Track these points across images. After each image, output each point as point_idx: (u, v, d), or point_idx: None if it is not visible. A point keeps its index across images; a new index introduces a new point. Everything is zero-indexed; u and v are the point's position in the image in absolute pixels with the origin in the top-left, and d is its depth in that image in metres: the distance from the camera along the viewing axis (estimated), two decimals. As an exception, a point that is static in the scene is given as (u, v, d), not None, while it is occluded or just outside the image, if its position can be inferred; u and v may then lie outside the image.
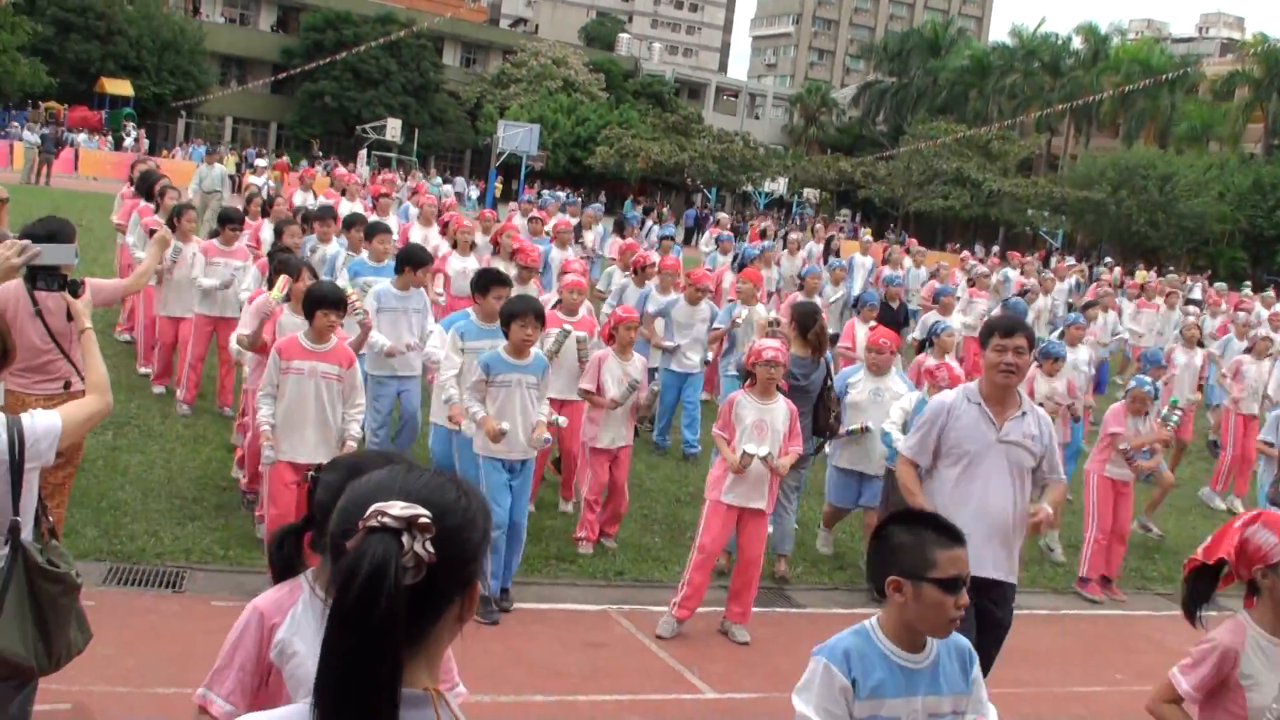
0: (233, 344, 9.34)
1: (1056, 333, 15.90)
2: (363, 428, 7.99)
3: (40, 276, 5.33)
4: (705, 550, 8.06)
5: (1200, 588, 4.40)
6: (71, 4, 62.32)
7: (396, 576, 1.91)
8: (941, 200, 70.39)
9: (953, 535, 3.65)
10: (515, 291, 9.22)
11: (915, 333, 16.34)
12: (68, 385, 6.73)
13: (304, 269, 8.90)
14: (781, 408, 8.22)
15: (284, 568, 3.34)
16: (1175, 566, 11.55)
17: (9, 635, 4.12)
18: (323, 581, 3.24)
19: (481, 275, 9.19)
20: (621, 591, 8.86)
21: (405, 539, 1.94)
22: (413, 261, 10.26)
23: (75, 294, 5.15)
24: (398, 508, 1.96)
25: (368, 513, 1.97)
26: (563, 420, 8.86)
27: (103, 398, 4.64)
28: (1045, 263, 39.05)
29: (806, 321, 9.44)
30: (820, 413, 9.33)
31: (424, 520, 1.96)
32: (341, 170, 26.03)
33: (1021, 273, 24.44)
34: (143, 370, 13.25)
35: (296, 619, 3.26)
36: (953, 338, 12.41)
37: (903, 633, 3.66)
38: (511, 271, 11.38)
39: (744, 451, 7.89)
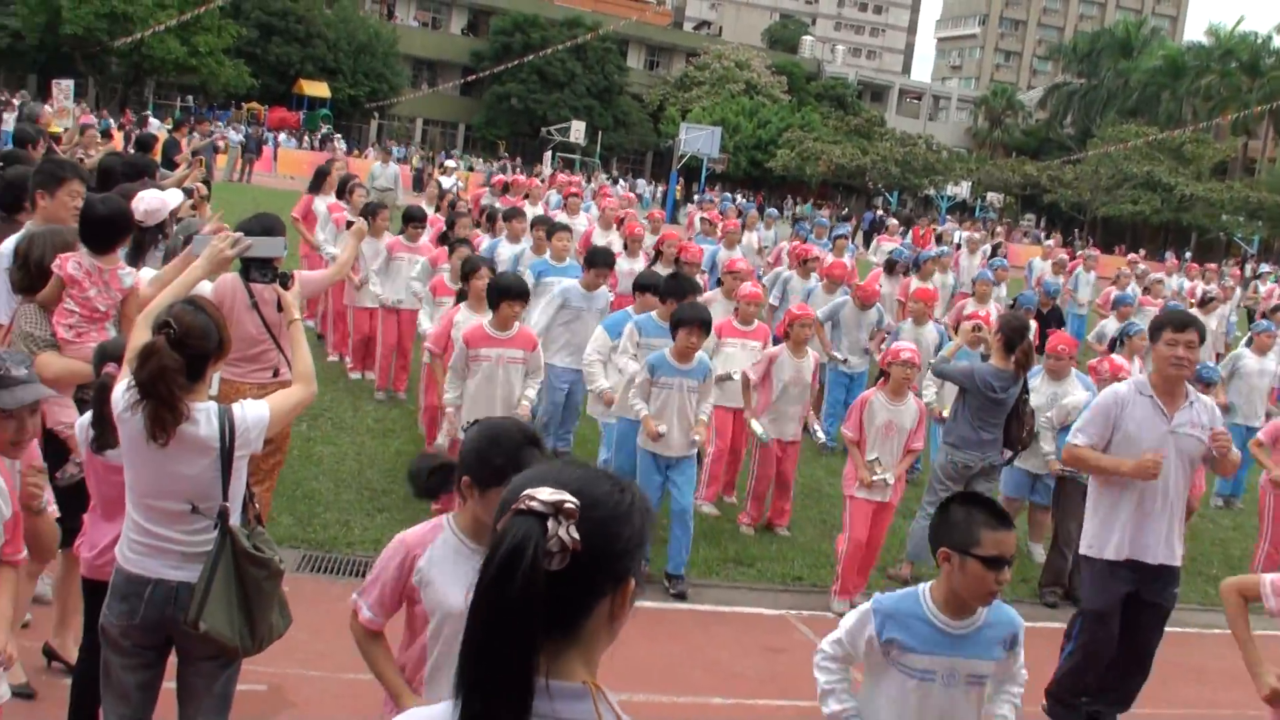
0: (426, 344, 9.78)
1: (1244, 341, 15.47)
2: (538, 396, 8.62)
3: (254, 268, 5.58)
4: (855, 542, 8.46)
5: None
6: (274, 8, 64.56)
7: (535, 558, 1.93)
8: (1131, 205, 68.55)
9: (1001, 519, 4.12)
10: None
11: (1091, 337, 16.15)
12: (276, 373, 7.04)
13: (483, 266, 9.21)
14: (911, 408, 8.58)
15: (422, 492, 4.03)
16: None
17: (216, 616, 4.29)
18: (462, 524, 3.81)
19: (673, 281, 9.56)
20: (799, 597, 8.87)
21: (550, 523, 1.96)
22: (596, 263, 10.62)
23: (286, 286, 5.40)
24: (545, 492, 1.99)
25: (518, 495, 2.01)
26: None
27: (308, 387, 4.83)
28: (1241, 269, 37.75)
29: (1015, 337, 9.27)
30: (1013, 425, 9.26)
31: (569, 506, 1.98)
32: (522, 177, 26.44)
33: (1204, 280, 23.74)
34: (330, 358, 13.76)
35: (435, 553, 3.80)
36: (1144, 340, 12.19)
37: (950, 598, 4.16)
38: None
39: (883, 479, 8.36)
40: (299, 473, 9.56)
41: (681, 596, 8.29)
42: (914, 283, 15.51)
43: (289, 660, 6.00)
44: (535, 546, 1.94)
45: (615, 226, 16.18)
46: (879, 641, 4.19)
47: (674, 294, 9.14)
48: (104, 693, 4.51)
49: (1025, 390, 9.41)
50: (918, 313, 12.61)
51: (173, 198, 7.61)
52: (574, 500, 1.99)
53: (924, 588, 4.26)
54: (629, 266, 13.54)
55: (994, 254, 26.84)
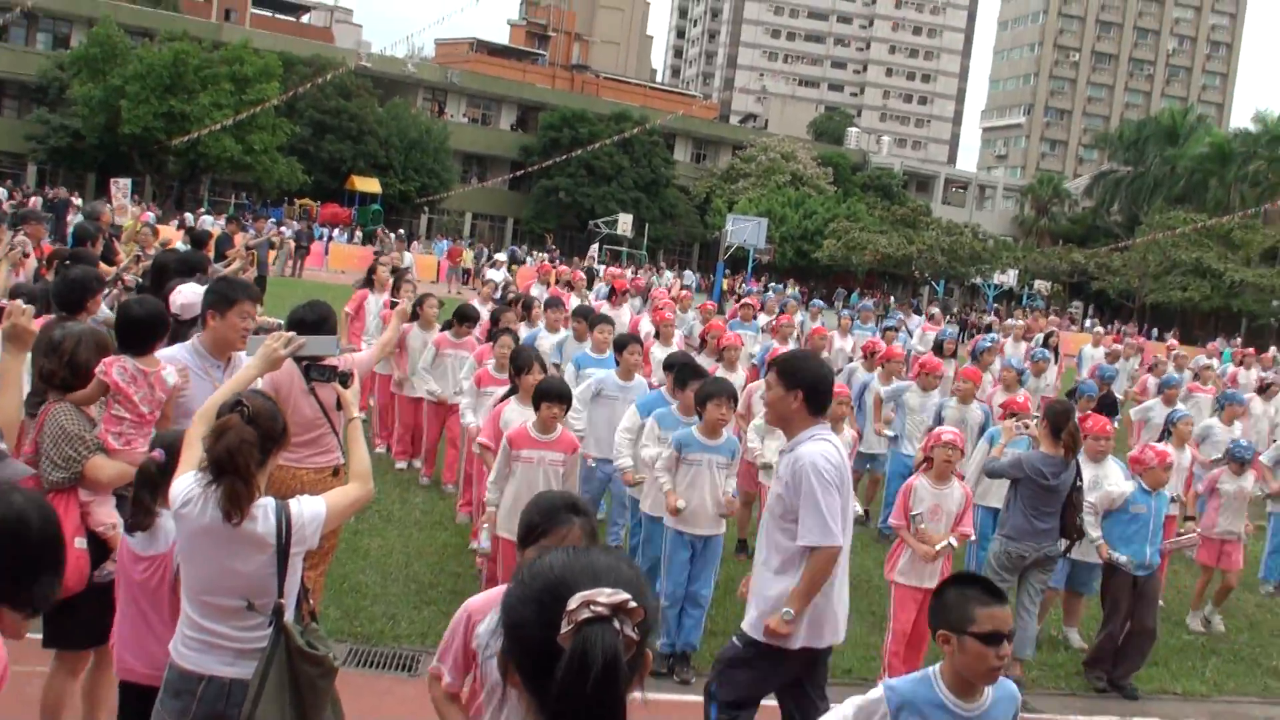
0: (473, 435, 9.88)
1: None
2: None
3: (313, 369, 5.68)
4: (899, 631, 8.35)
5: None
6: (328, 107, 65.76)
7: (616, 658, 2.03)
8: (1180, 291, 68.24)
9: (995, 595, 4.16)
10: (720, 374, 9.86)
11: (1135, 416, 16.27)
12: (336, 471, 7.06)
13: (535, 363, 9.26)
14: (957, 491, 8.47)
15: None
16: None
17: (270, 714, 4.31)
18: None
19: (681, 368, 9.57)
20: (849, 690, 8.70)
21: (617, 623, 2.05)
22: (617, 346, 10.82)
23: (345, 384, 5.45)
24: (606, 595, 2.07)
25: (575, 603, 2.06)
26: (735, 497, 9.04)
27: (365, 485, 4.88)
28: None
29: (1060, 421, 9.20)
30: (1068, 512, 9.14)
31: (633, 605, 2.07)
32: (565, 267, 26.75)
33: (1241, 363, 23.60)
34: (378, 448, 13.92)
35: (494, 618, 3.63)
36: (1190, 426, 12.20)
37: (956, 680, 4.17)
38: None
39: (948, 543, 8.22)
40: (346, 566, 9.62)
41: (687, 683, 8.17)
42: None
43: (338, 755, 6.01)
44: (614, 649, 2.05)
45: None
46: None
47: (682, 381, 9.18)
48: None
49: (1079, 476, 9.31)
50: (965, 392, 12.67)
51: None
52: (634, 600, 2.09)
53: (934, 670, 4.27)
54: (662, 354, 13.55)
55: (1045, 342, 26.72)
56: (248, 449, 4.24)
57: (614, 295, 18.50)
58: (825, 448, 5.67)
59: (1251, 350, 27.88)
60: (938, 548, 8.18)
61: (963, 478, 8.90)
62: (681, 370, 9.49)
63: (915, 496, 8.43)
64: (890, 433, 13.07)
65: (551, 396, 8.08)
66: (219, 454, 4.23)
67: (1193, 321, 74.91)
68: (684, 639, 8.40)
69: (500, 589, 3.81)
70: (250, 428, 4.28)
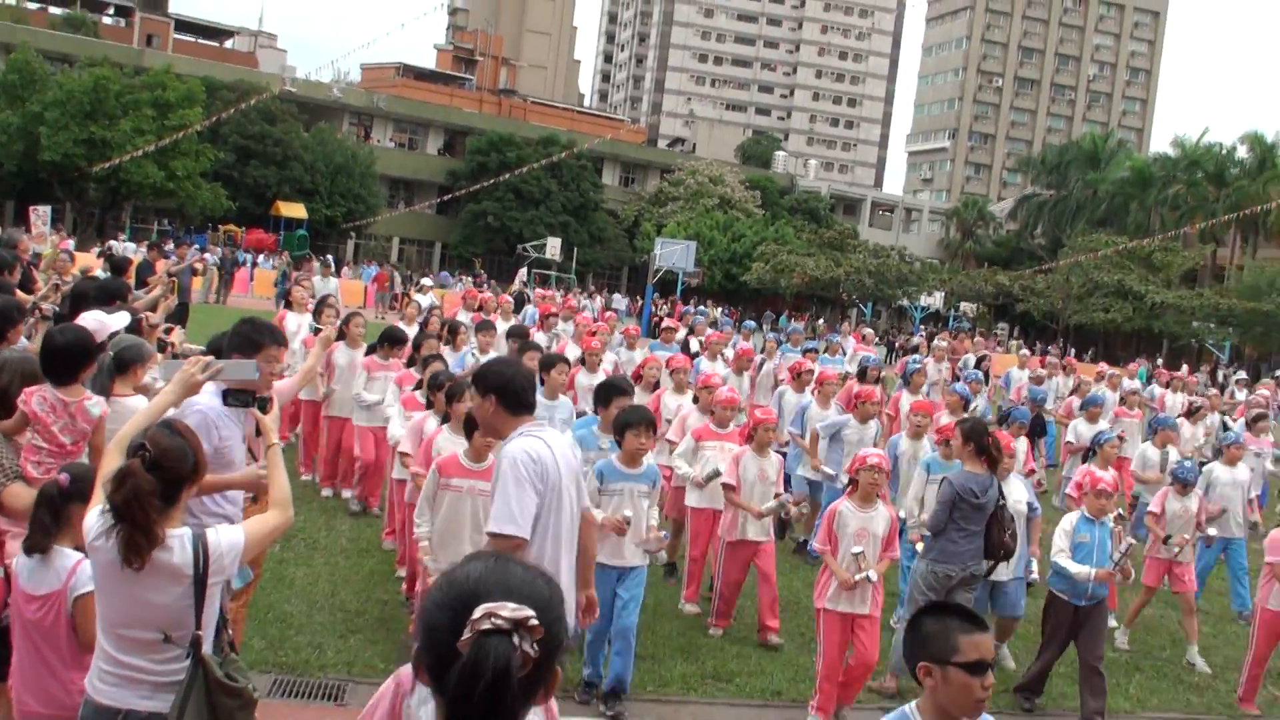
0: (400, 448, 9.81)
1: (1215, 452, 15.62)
2: None
3: (231, 394, 5.58)
4: (830, 660, 8.26)
5: None
6: (252, 132, 65.26)
7: (508, 672, 2.05)
8: (1103, 313, 69.33)
9: (976, 622, 3.91)
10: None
11: (1068, 436, 16.28)
12: (255, 497, 6.95)
13: (469, 391, 9.15)
14: (883, 514, 8.46)
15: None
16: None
17: (187, 748, 4.22)
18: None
19: (602, 388, 9.52)
20: (779, 712, 8.74)
21: (515, 639, 2.06)
22: (544, 365, 10.72)
23: (264, 410, 5.35)
24: (509, 609, 2.08)
25: (479, 613, 2.09)
26: (665, 535, 8.96)
27: (285, 512, 4.78)
28: (1213, 377, 37.93)
29: (980, 439, 9.21)
30: (994, 530, 9.10)
31: (534, 623, 2.08)
32: (490, 295, 26.61)
33: (1168, 386, 23.91)
34: (304, 477, 13.80)
35: (424, 690, 3.44)
36: (1115, 448, 12.25)
37: (940, 715, 3.88)
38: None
39: (865, 575, 8.14)
40: (271, 595, 9.49)
41: (618, 718, 8.02)
42: (905, 396, 15.64)
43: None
44: (507, 664, 2.06)
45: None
46: None
47: (604, 401, 9.11)
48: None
49: (1002, 494, 9.35)
50: (918, 426, 12.38)
51: (117, 320, 7.61)
52: (535, 616, 2.09)
53: (910, 708, 3.95)
54: (588, 381, 13.45)
55: (978, 365, 26.92)
56: (145, 499, 4.12)
57: (543, 321, 18.44)
58: (530, 443, 5.58)
59: (1181, 374, 28.28)
60: (856, 578, 8.13)
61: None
62: (605, 388, 9.43)
63: (840, 520, 8.38)
64: (830, 470, 12.95)
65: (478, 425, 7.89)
66: (117, 503, 4.13)
67: (1115, 342, 76.06)
68: (613, 676, 8.15)
69: None
70: (150, 476, 4.16)
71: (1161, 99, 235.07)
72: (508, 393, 5.70)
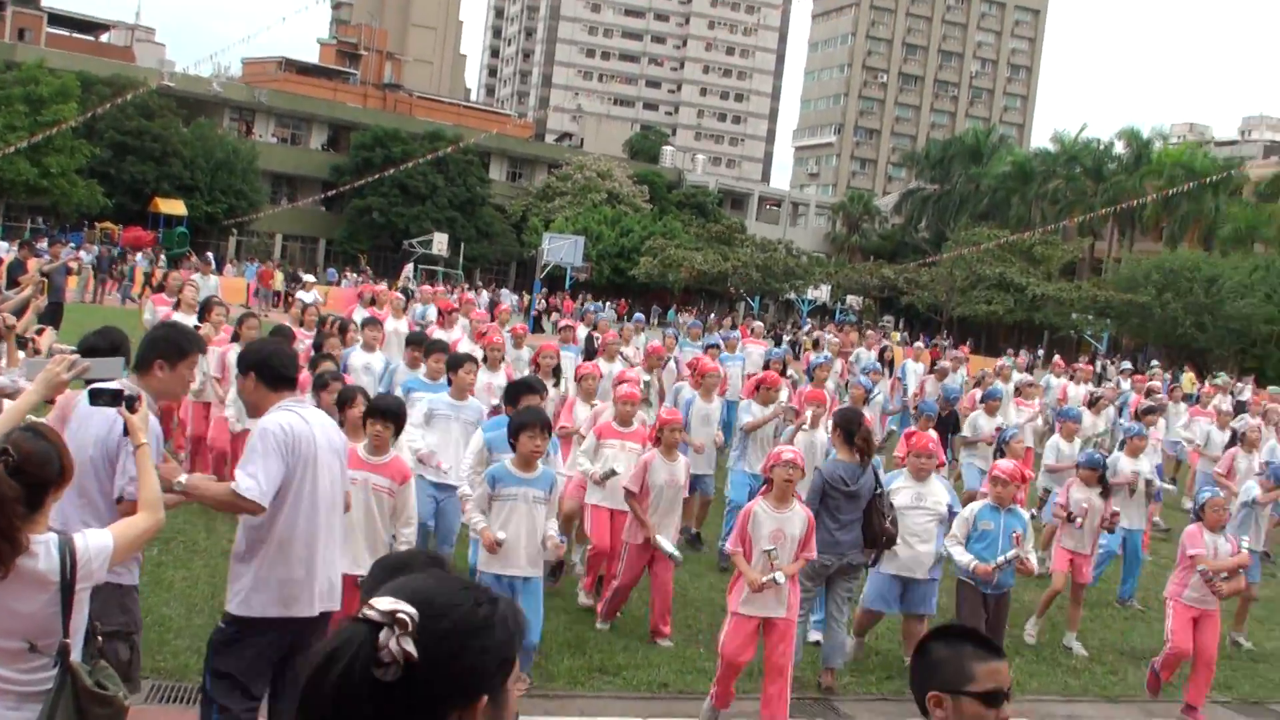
0: None
1: (1118, 444, 15.87)
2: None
3: (97, 393, 5.40)
4: (726, 662, 8.00)
5: None
6: (129, 128, 63.94)
7: (351, 666, 1.93)
8: (985, 305, 70.52)
9: (991, 649, 3.54)
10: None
11: (964, 430, 16.37)
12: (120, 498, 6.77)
13: (358, 395, 8.91)
14: (799, 514, 8.15)
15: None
16: (1238, 674, 11.41)
17: (54, 758, 4.10)
18: None
19: (512, 387, 9.38)
20: (666, 704, 8.74)
21: (383, 634, 1.95)
22: (451, 365, 10.55)
23: (132, 409, 5.16)
24: (385, 602, 1.97)
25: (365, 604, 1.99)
26: (561, 539, 8.83)
27: (154, 514, 4.66)
28: (1091, 365, 38.68)
29: (850, 427, 9.32)
30: (873, 519, 9.16)
31: (402, 616, 1.95)
32: (377, 286, 26.34)
33: (1072, 378, 24.29)
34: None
35: None
36: (1021, 443, 12.35)
37: None
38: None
39: (772, 577, 7.83)
40: (149, 599, 9.25)
41: None
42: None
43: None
44: (355, 654, 1.94)
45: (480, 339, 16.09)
46: None
47: (513, 400, 8.99)
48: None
49: (879, 483, 9.40)
50: (815, 416, 12.33)
51: None
52: (410, 610, 1.97)
53: None
54: (488, 379, 13.23)
55: (880, 358, 27.18)
56: (7, 506, 3.97)
57: (442, 316, 18.24)
58: (284, 416, 5.67)
59: (1081, 365, 28.80)
60: (763, 579, 7.82)
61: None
62: (514, 387, 9.32)
63: (755, 522, 8.06)
64: (699, 441, 12.98)
65: (378, 414, 7.69)
66: None
67: (997, 334, 77.40)
68: None
69: None
70: (13, 481, 4.01)
71: (1041, 95, 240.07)
72: (266, 369, 5.79)
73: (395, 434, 7.78)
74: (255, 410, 5.92)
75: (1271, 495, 12.70)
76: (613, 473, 10.01)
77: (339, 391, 9.13)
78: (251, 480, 5.50)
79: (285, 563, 5.78)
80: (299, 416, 5.73)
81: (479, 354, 14.61)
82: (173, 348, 5.89)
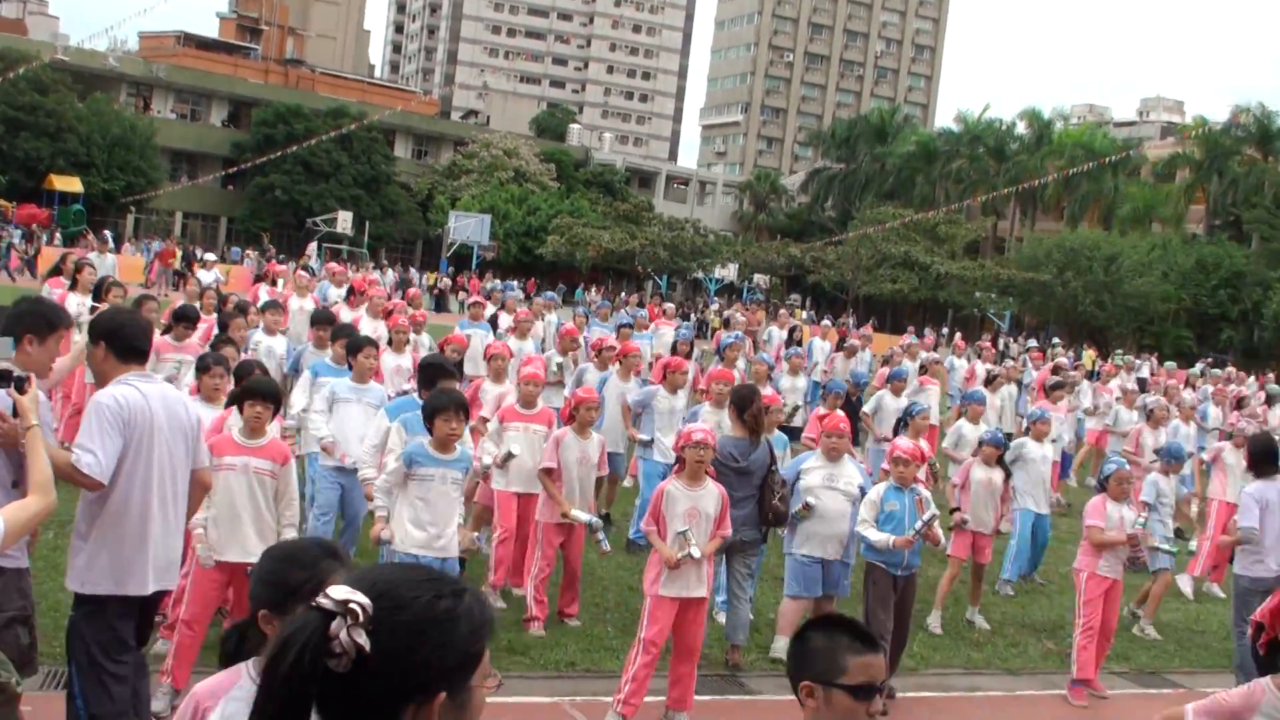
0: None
1: (1023, 426, 16.02)
2: (300, 528, 7.78)
3: None
4: (651, 646, 7.84)
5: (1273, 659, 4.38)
6: (21, 103, 62.58)
7: (302, 654, 1.89)
8: (890, 284, 71.25)
9: (868, 641, 3.52)
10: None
11: (867, 407, 16.41)
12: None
13: (217, 367, 8.75)
14: (712, 492, 8.10)
15: (232, 660, 3.38)
16: (1134, 645, 11.66)
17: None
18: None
19: (426, 368, 9.24)
20: (574, 683, 8.71)
21: (335, 624, 1.90)
22: (351, 349, 10.34)
23: (21, 390, 5.02)
24: (340, 591, 1.93)
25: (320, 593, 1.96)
26: (475, 536, 8.77)
27: (45, 497, 4.55)
28: (994, 344, 39.25)
29: (742, 403, 9.33)
30: (765, 496, 9.17)
31: (354, 607, 1.91)
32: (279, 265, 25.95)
33: (980, 358, 24.55)
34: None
35: (230, 706, 3.26)
36: (926, 419, 12.40)
37: None
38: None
39: (688, 554, 7.76)
40: (45, 584, 9.00)
41: None
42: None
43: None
44: (306, 643, 1.89)
45: (383, 318, 15.80)
46: None
47: (427, 382, 8.88)
48: None
49: (773, 460, 9.40)
50: (720, 395, 11.99)
51: None
52: (363, 601, 1.92)
53: None
54: (395, 362, 12.97)
55: (790, 338, 27.14)
56: None
57: (352, 295, 17.98)
58: (123, 390, 5.65)
59: (984, 344, 29.16)
60: (679, 555, 7.75)
61: (726, 475, 8.71)
62: (428, 369, 9.21)
63: (669, 500, 7.99)
64: (644, 437, 12.91)
65: (255, 394, 7.45)
66: None
67: (903, 312, 78.19)
68: None
69: (232, 669, 3.38)
70: None
71: (946, 76, 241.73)
72: (116, 339, 5.73)
73: (273, 415, 7.61)
74: (102, 380, 5.83)
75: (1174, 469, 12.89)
76: (510, 455, 9.90)
77: (239, 365, 8.97)
78: (91, 456, 5.43)
79: (119, 539, 5.72)
80: (136, 390, 5.66)
81: (382, 333, 14.45)
82: (41, 321, 5.77)
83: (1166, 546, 11.69)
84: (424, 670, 1.97)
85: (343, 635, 1.90)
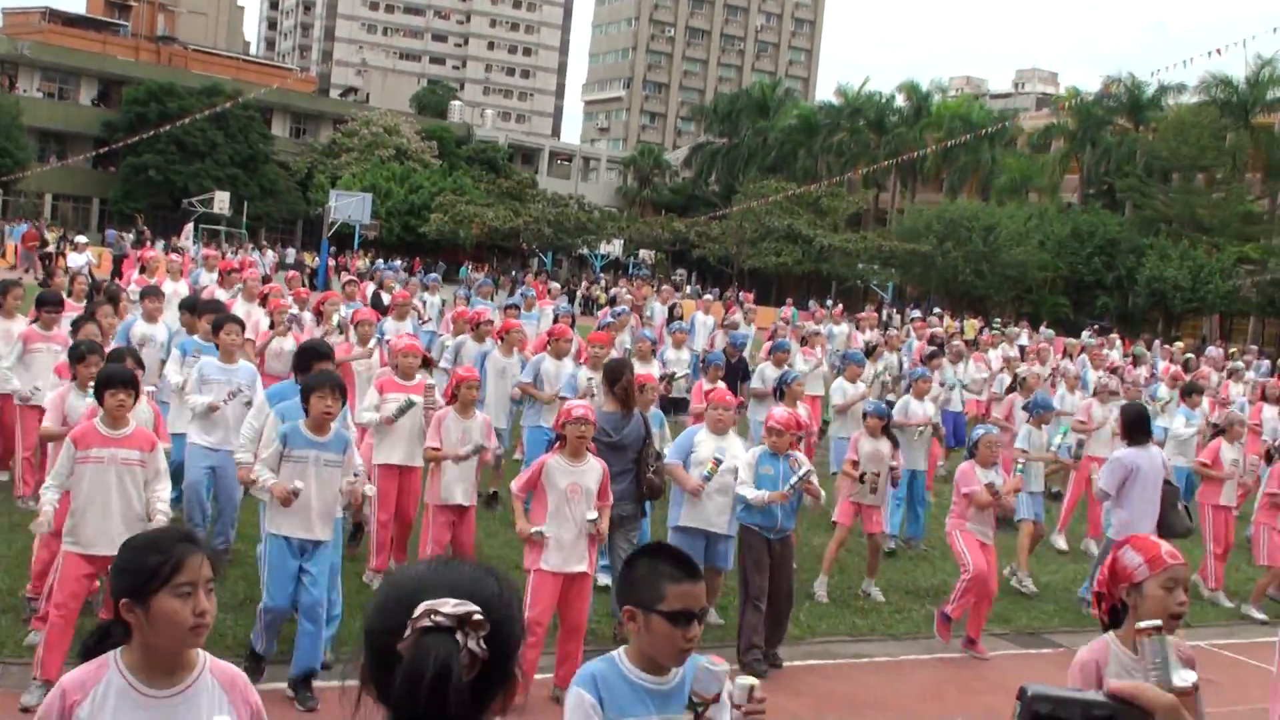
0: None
1: (904, 386, 16.21)
2: (170, 508, 7.50)
3: None
4: (536, 627, 7.66)
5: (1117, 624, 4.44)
6: (-125, 81, 60.20)
7: (460, 679, 1.94)
8: (775, 257, 71.62)
9: (688, 570, 3.74)
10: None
11: (753, 382, 16.40)
12: None
13: (94, 355, 8.45)
14: (594, 467, 8.05)
15: (95, 652, 3.28)
16: (1015, 607, 11.73)
17: None
18: (131, 662, 3.21)
19: (302, 352, 8.98)
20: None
21: (459, 637, 1.96)
22: (215, 327, 10.19)
23: None
24: (450, 605, 1.97)
25: (419, 611, 1.98)
26: (370, 489, 8.59)
27: None
28: (879, 314, 39.68)
29: (613, 376, 9.35)
30: (641, 470, 9.14)
31: (478, 618, 1.97)
32: (155, 252, 25.15)
33: (857, 327, 24.68)
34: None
35: (99, 698, 3.21)
36: (802, 386, 12.50)
37: (643, 659, 3.75)
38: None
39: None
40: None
41: (312, 710, 7.36)
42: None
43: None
44: (457, 665, 1.94)
45: (259, 301, 15.29)
46: (606, 709, 3.69)
47: (303, 366, 8.66)
48: None
49: (648, 433, 9.37)
50: (595, 357, 12.19)
51: None
52: (480, 611, 1.98)
53: (618, 654, 3.80)
54: (279, 345, 12.80)
55: (671, 315, 27.05)
56: None
57: (223, 277, 17.61)
58: None
59: (866, 314, 29.35)
60: (531, 530, 7.80)
61: (601, 450, 8.56)
62: (303, 352, 9.00)
63: (549, 475, 7.89)
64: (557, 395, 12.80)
65: (115, 383, 7.14)
66: None
67: (787, 285, 78.65)
68: (302, 662, 7.53)
69: (98, 661, 3.24)
70: None
71: (825, 49, 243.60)
72: None
73: (134, 401, 7.32)
74: None
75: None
76: (410, 403, 9.72)
77: (110, 352, 8.67)
78: None
79: None
80: None
81: (256, 317, 14.06)
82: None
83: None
84: (512, 658, 2.08)
85: (471, 645, 1.97)
